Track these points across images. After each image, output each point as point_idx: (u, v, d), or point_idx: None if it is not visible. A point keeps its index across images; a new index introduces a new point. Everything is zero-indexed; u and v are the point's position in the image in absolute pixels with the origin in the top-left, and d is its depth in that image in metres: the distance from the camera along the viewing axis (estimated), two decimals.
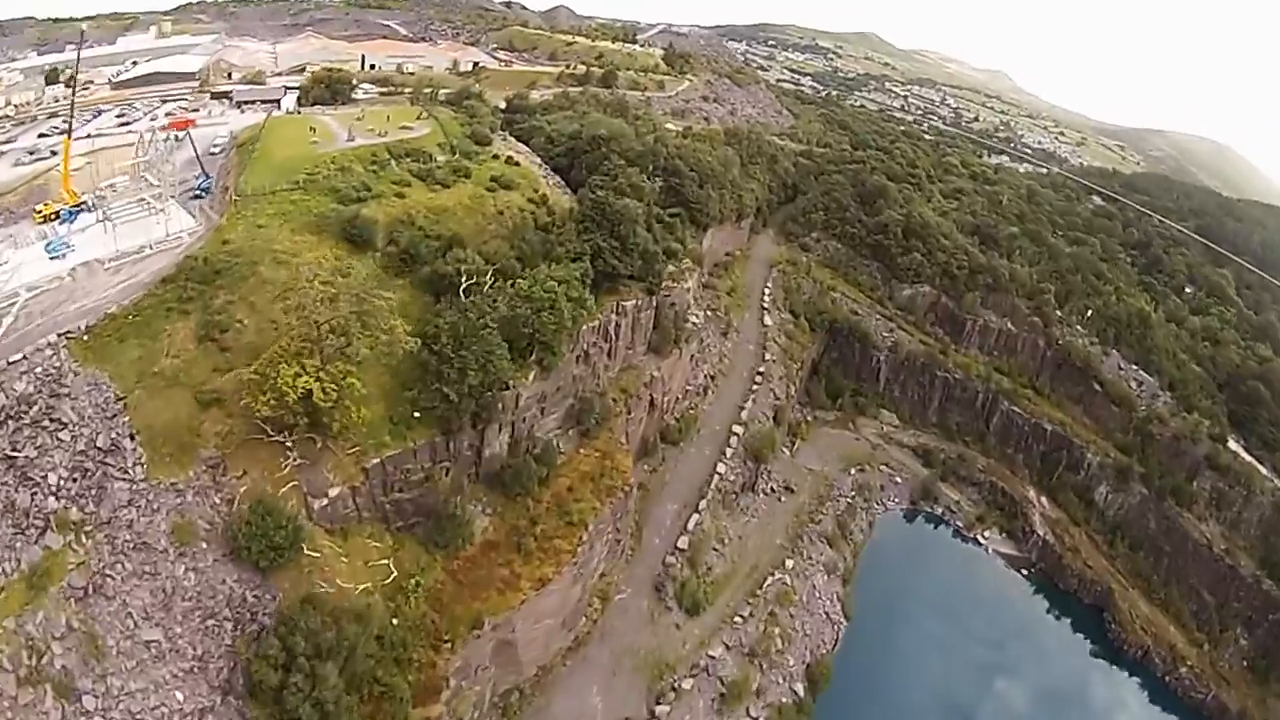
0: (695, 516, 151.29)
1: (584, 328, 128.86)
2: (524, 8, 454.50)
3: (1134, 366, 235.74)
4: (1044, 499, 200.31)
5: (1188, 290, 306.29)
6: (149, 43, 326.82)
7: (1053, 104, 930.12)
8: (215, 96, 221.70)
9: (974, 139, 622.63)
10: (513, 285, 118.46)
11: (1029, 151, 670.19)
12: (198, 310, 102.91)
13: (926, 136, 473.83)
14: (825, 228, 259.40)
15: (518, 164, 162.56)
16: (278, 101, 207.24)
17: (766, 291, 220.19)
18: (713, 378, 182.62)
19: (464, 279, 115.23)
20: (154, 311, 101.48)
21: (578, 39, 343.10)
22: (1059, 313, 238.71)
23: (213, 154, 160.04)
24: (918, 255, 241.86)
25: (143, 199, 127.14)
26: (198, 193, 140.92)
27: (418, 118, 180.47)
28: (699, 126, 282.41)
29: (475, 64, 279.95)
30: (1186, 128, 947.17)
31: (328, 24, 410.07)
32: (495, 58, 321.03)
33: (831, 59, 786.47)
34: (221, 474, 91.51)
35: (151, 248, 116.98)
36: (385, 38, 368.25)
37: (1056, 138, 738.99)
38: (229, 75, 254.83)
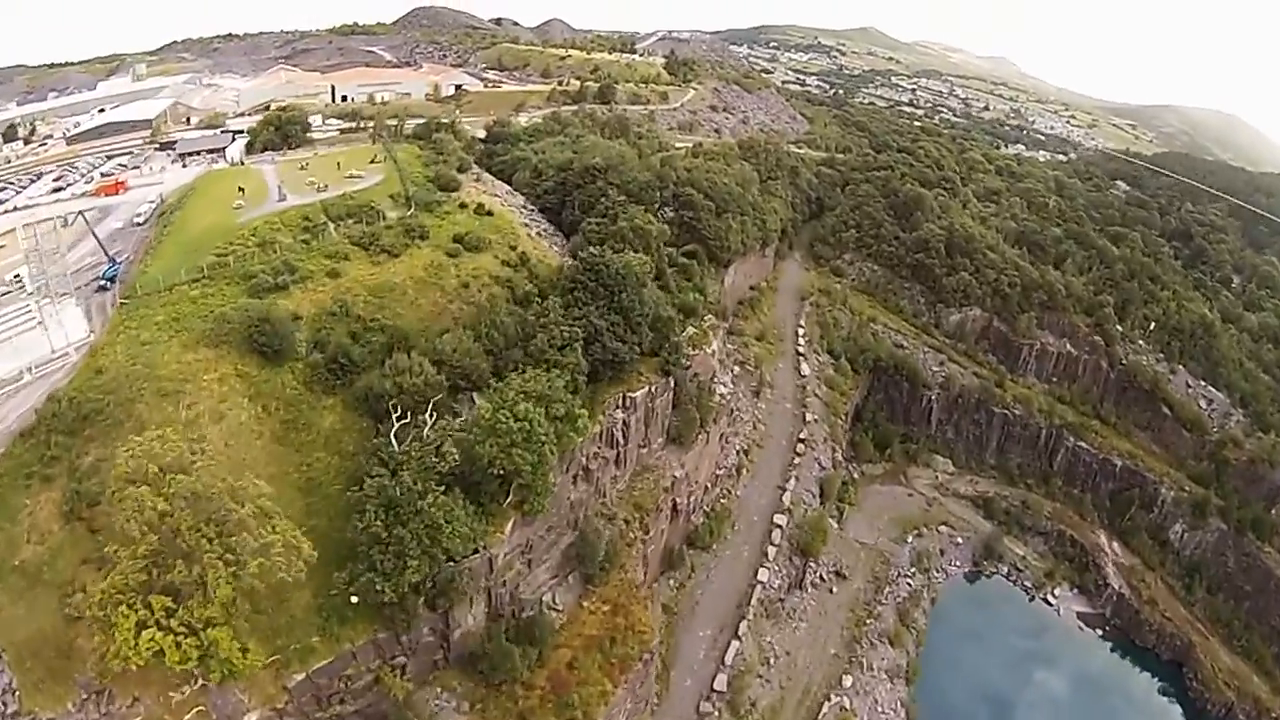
0: (735, 645, 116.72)
1: (580, 440, 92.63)
2: (515, 24, 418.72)
3: (1202, 383, 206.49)
4: (1115, 544, 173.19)
5: (1235, 282, 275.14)
6: (126, 87, 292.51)
7: (1059, 87, 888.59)
8: (162, 147, 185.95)
9: (989, 130, 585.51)
10: (472, 403, 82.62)
11: (1043, 137, 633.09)
12: (62, 474, 72.89)
13: (944, 131, 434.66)
14: (859, 247, 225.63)
15: (491, 213, 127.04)
16: (223, 150, 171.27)
17: (800, 331, 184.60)
18: (746, 452, 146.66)
19: (398, 410, 79.11)
20: (11, 480, 72.61)
21: (572, 53, 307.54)
22: (1119, 328, 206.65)
23: (137, 225, 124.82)
24: (965, 275, 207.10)
25: (28, 302, 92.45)
26: (103, 283, 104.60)
27: (371, 161, 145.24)
28: (709, 140, 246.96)
29: (457, 87, 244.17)
30: (1194, 101, 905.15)
31: (310, 55, 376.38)
32: (483, 78, 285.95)
33: (835, 57, 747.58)
34: (108, 703, 65.79)
35: (31, 372, 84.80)
36: (368, 65, 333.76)
37: (1068, 121, 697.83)
38: (188, 120, 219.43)
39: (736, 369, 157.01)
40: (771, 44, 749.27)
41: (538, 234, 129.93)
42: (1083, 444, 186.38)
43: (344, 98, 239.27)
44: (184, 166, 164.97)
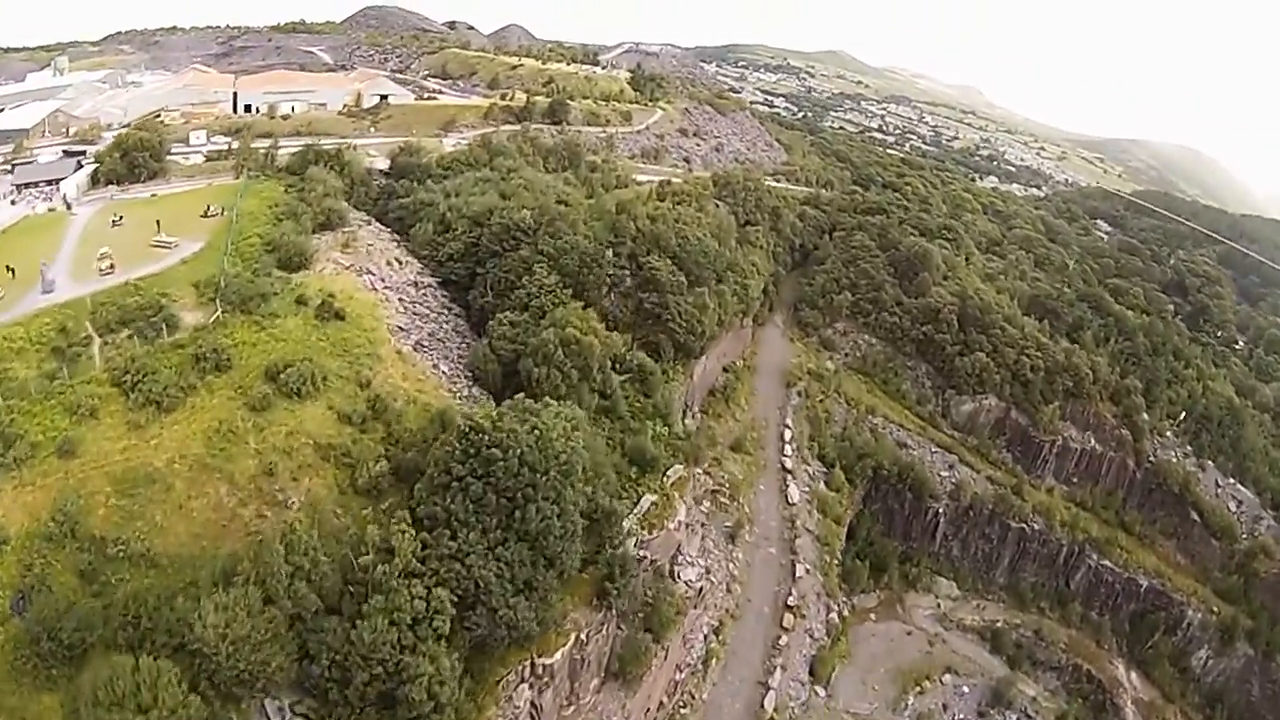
0: None
1: None
2: (470, 28, 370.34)
3: (1231, 480, 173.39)
4: (1135, 675, 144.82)
5: (1240, 344, 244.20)
6: (45, 81, 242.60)
7: (1025, 117, 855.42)
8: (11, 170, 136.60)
9: (960, 160, 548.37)
10: None
11: (1014, 169, 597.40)
12: None
13: (925, 163, 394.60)
14: (854, 314, 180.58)
15: (343, 315, 79.95)
16: (58, 182, 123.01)
17: (786, 433, 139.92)
18: (717, 632, 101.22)
19: None
20: None
21: (525, 62, 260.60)
22: (1146, 417, 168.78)
23: None
24: (981, 355, 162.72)
25: None
26: None
27: (205, 214, 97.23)
28: (678, 173, 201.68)
29: (382, 97, 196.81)
30: (1157, 135, 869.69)
31: (248, 53, 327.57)
32: (423, 87, 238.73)
33: (804, 79, 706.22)
34: None
35: None
36: (287, 68, 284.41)
37: (1038, 153, 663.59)
38: (66, 131, 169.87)
39: (707, 504, 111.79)
40: (740, 63, 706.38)
41: (415, 345, 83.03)
42: (1106, 562, 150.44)
43: (247, 107, 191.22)
44: (12, 204, 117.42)
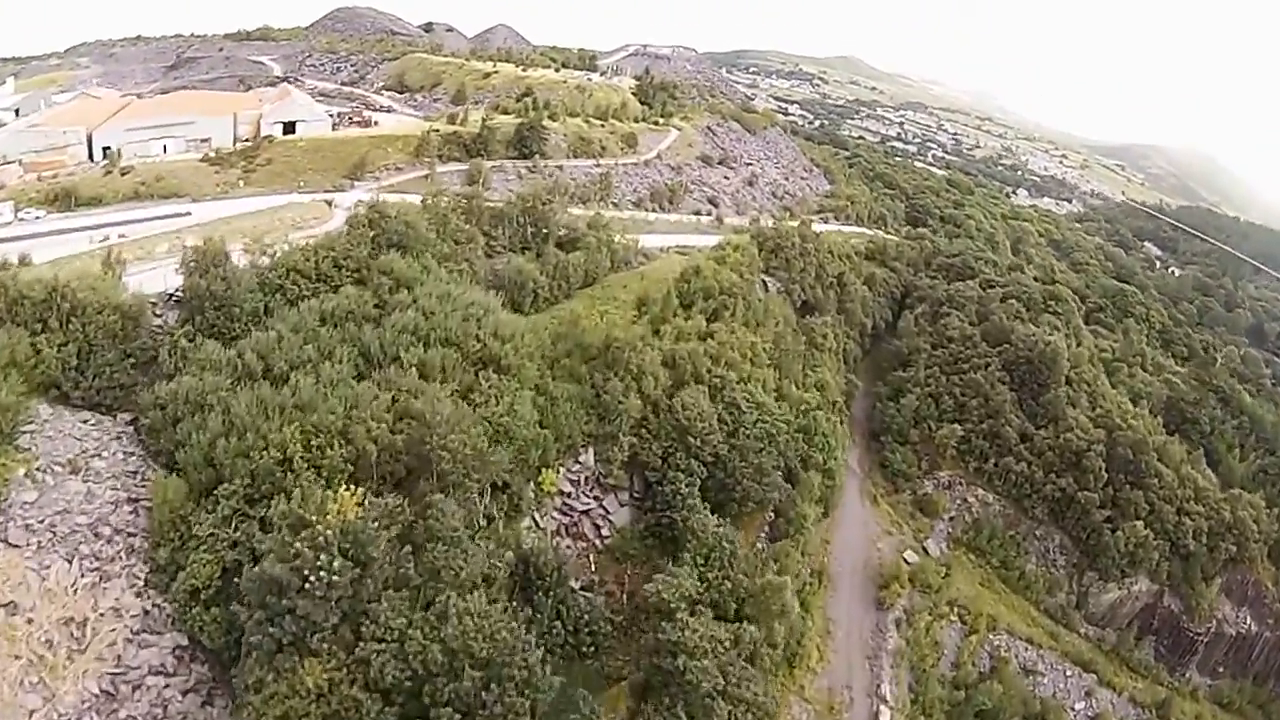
0: None
1: None
2: (449, 30, 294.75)
3: None
4: None
5: None
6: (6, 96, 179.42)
7: (1038, 122, 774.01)
8: None
9: (985, 170, 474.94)
10: None
11: (1039, 179, 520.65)
12: None
13: (971, 182, 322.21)
14: (964, 455, 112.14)
15: None
16: None
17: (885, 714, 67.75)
18: None
19: None
20: None
21: (500, 67, 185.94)
22: None
23: None
24: (1138, 525, 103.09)
25: None
26: None
27: None
28: (704, 225, 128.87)
29: (288, 125, 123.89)
30: (1170, 140, 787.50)
31: (197, 65, 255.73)
32: (367, 105, 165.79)
33: (818, 85, 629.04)
34: None
35: None
36: (236, 80, 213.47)
37: (1060, 161, 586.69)
38: None
39: None
40: (751, 69, 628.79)
41: None
42: None
43: (105, 150, 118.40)
44: None
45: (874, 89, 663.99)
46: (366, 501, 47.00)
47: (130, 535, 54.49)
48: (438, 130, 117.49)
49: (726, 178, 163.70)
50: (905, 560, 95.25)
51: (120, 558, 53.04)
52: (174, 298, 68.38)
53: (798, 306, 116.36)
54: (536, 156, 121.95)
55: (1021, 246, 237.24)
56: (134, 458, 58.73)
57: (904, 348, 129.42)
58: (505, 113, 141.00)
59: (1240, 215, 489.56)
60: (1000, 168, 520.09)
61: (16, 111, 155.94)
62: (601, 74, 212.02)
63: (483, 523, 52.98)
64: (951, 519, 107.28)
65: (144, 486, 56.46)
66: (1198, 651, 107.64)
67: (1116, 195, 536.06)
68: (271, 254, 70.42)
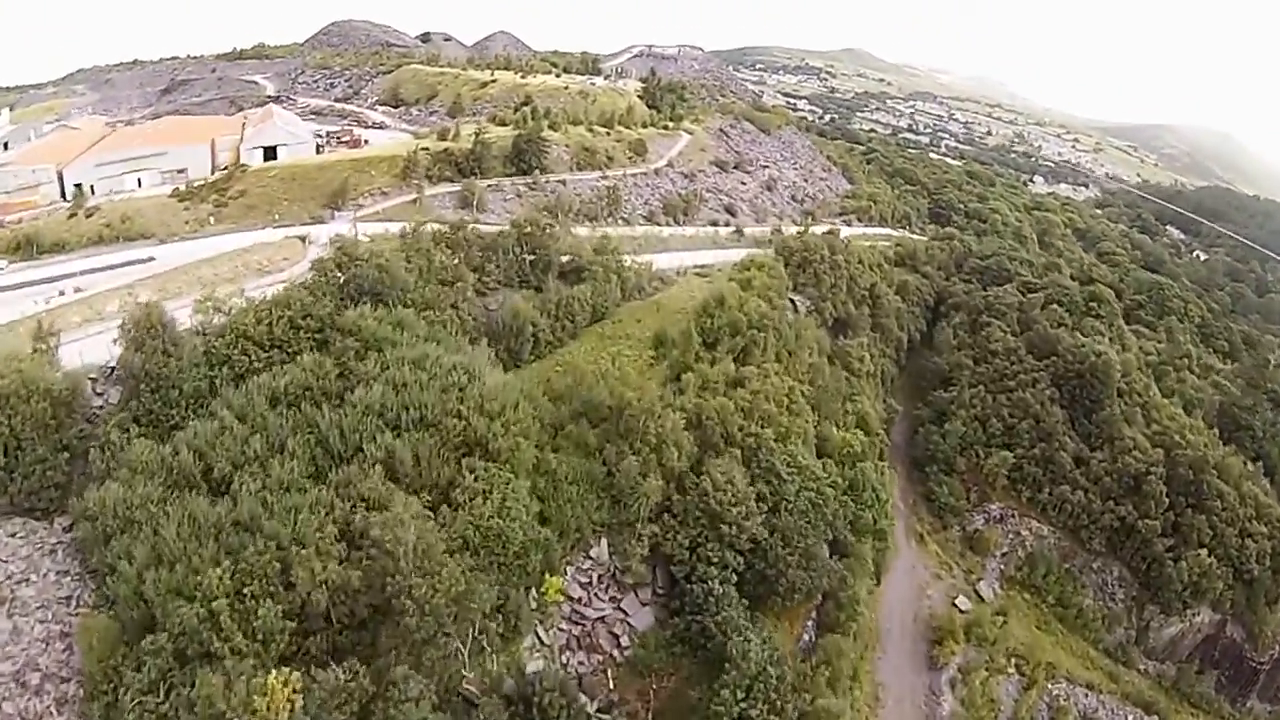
0: None
1: None
2: (448, 39, 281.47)
3: None
4: None
5: None
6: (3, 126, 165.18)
7: (1046, 107, 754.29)
8: None
9: (998, 158, 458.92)
10: None
11: (1053, 165, 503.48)
12: None
13: (992, 171, 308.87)
14: (1016, 484, 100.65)
15: None
16: None
17: None
18: None
19: None
20: None
21: (498, 76, 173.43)
22: None
23: None
24: (1202, 554, 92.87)
25: None
26: None
27: None
28: (722, 239, 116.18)
29: (269, 150, 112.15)
30: (1185, 120, 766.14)
31: (190, 87, 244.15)
32: (359, 122, 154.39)
33: (825, 79, 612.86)
34: None
35: None
36: (227, 101, 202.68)
37: (1073, 145, 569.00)
38: None
39: None
40: (758, 65, 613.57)
41: None
42: None
43: (77, 187, 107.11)
44: None
45: (881, 80, 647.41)
46: (307, 684, 34.68)
47: (64, 681, 42.96)
48: (427, 149, 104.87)
49: (743, 183, 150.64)
50: (958, 607, 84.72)
51: (51, 714, 41.41)
52: (115, 371, 56.71)
53: (829, 325, 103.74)
54: (536, 172, 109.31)
55: (1049, 239, 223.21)
56: (69, 578, 47.29)
57: (944, 364, 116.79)
58: (503, 124, 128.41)
59: (1260, 194, 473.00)
60: (1014, 155, 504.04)
61: (5, 145, 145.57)
62: (605, 78, 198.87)
63: (466, 670, 40.57)
64: (1004, 555, 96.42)
65: (79, 615, 45.06)
66: (1259, 680, 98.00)
67: (1132, 177, 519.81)
68: (227, 311, 58.32)
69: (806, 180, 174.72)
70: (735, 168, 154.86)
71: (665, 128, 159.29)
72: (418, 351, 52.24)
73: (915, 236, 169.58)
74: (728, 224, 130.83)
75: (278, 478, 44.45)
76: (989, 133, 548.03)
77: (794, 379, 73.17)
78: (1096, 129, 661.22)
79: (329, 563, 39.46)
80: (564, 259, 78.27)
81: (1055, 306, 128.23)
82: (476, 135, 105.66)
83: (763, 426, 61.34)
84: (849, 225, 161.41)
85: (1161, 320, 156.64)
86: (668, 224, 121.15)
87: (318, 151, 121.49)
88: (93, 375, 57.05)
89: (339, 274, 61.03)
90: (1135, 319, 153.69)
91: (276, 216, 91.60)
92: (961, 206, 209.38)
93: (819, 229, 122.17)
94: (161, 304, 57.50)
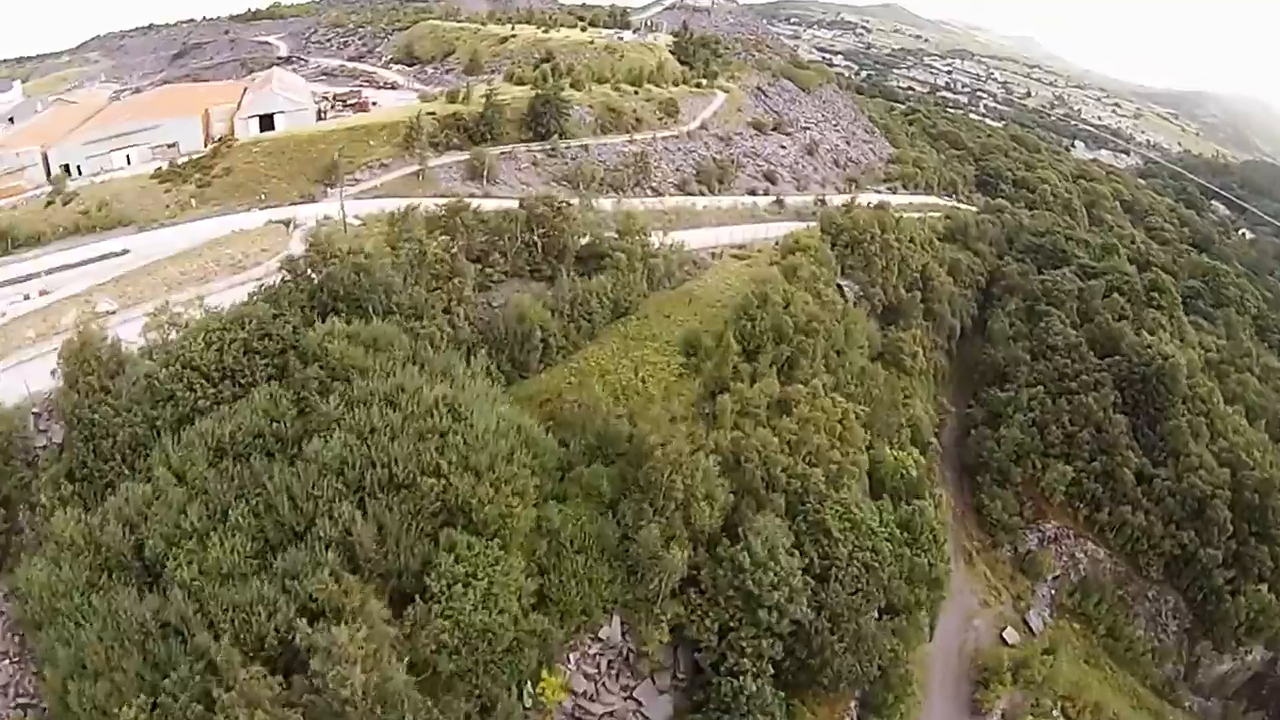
0: None
1: None
2: None
3: None
4: None
5: None
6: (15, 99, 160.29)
7: (1084, 69, 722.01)
8: None
9: (1038, 121, 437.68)
10: None
11: (1094, 129, 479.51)
12: None
13: (1038, 137, 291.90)
14: (1073, 501, 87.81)
15: None
16: None
17: None
18: None
19: None
20: None
21: (519, 30, 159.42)
22: None
23: None
24: (1263, 589, 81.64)
25: None
26: None
27: None
28: (761, 211, 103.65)
29: (265, 118, 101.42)
30: (1224, 87, 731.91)
31: (202, 51, 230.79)
32: (371, 81, 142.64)
33: (861, 34, 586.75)
34: None
35: None
36: (238, 64, 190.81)
37: (1113, 110, 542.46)
38: None
39: None
40: (793, 19, 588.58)
41: None
42: None
43: (65, 168, 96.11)
44: None
45: (918, 37, 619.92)
46: None
47: None
48: (434, 113, 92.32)
49: (783, 146, 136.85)
50: (1005, 640, 74.77)
51: None
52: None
53: (878, 313, 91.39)
54: (555, 137, 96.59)
55: (1097, 211, 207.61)
56: (8, 661, 38.13)
57: (999, 357, 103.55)
58: (520, 83, 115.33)
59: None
60: (1053, 118, 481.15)
61: (11, 119, 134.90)
62: (634, 31, 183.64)
63: None
64: (1056, 578, 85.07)
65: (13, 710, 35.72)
66: None
67: (1173, 146, 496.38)
68: (183, 325, 47.10)
69: (849, 143, 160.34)
70: (774, 129, 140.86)
71: (698, 85, 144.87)
72: (392, 383, 40.87)
73: (964, 206, 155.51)
74: (766, 192, 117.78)
75: (216, 561, 33.97)
76: (1028, 94, 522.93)
77: (845, 396, 61.22)
78: (1136, 94, 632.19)
79: (257, 712, 28.64)
80: (583, 240, 66.20)
81: (1116, 295, 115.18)
82: (488, 97, 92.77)
83: (811, 464, 49.97)
84: (894, 193, 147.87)
85: (1219, 310, 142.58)
86: (701, 193, 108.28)
87: (320, 118, 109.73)
88: (36, 409, 46.68)
89: (312, 275, 49.43)
90: (1191, 308, 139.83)
91: (263, 197, 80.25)
92: (1009, 175, 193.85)
93: (866, 199, 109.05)
94: (104, 325, 46.87)
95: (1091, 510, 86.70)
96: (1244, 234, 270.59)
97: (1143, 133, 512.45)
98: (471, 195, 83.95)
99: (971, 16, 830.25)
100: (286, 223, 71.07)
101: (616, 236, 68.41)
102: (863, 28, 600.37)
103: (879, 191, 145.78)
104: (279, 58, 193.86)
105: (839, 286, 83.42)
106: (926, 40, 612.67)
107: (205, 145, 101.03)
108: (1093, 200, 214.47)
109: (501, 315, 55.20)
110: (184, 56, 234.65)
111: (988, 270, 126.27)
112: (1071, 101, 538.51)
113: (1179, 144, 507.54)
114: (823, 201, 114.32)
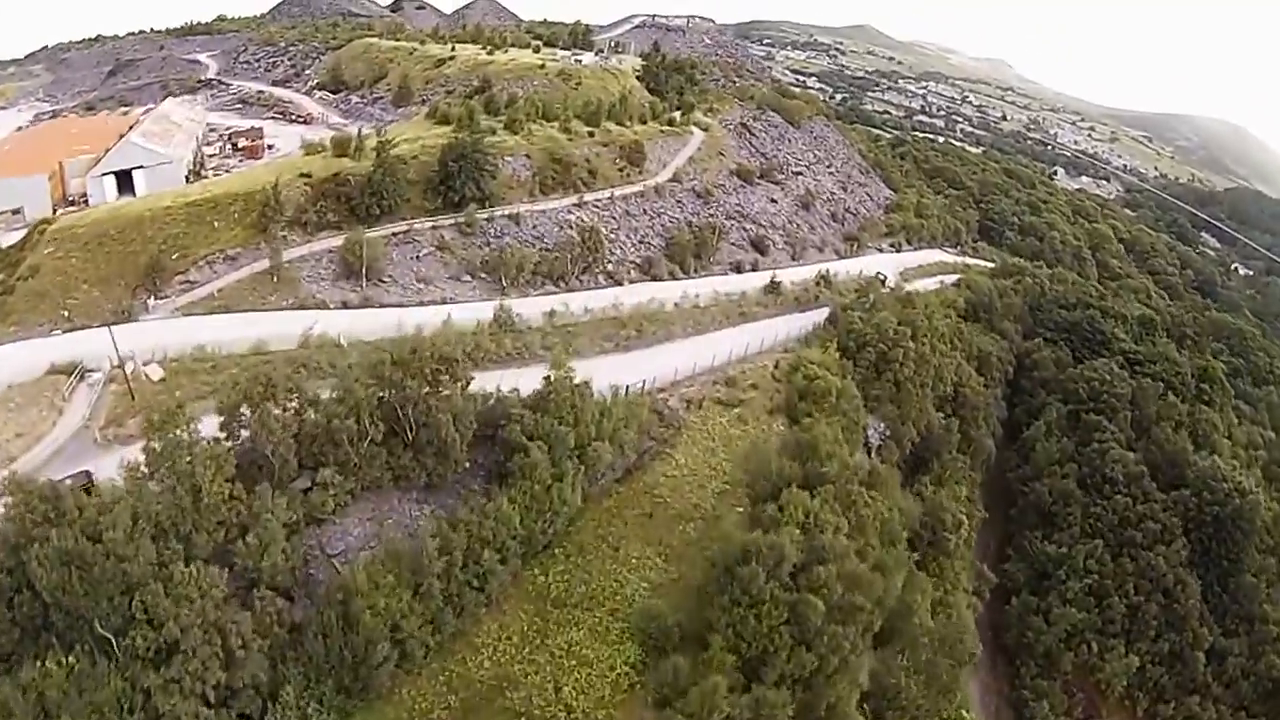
0: None
1: None
2: (421, 8, 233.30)
3: None
4: None
5: None
6: None
7: (1056, 92, 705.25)
8: None
9: (1016, 146, 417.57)
10: None
11: (1069, 155, 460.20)
12: None
13: (1002, 154, 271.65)
14: (1129, 688, 62.68)
15: None
16: None
17: None
18: None
19: None
20: None
21: (459, 50, 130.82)
22: None
23: None
24: None
25: None
26: None
27: None
28: (747, 303, 77.65)
29: (123, 175, 73.41)
30: (1198, 110, 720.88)
31: (135, 67, 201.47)
32: (284, 113, 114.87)
33: (834, 56, 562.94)
34: None
35: None
36: (173, 83, 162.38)
37: (1089, 134, 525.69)
38: None
39: None
40: (766, 40, 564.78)
41: None
42: None
43: None
44: None
45: (891, 59, 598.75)
46: None
47: None
48: (308, 175, 64.52)
49: (774, 200, 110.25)
50: None
51: None
52: None
53: (906, 460, 65.10)
54: (472, 206, 69.00)
55: (1101, 255, 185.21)
56: None
57: (1044, 492, 77.43)
58: (444, 121, 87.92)
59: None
60: (1030, 142, 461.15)
61: None
62: (598, 53, 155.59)
63: None
64: None
65: None
66: None
67: (1149, 170, 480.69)
68: None
69: (845, 189, 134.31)
70: (761, 177, 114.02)
71: (671, 122, 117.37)
72: None
73: (973, 262, 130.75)
74: (755, 266, 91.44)
75: None
76: (1004, 117, 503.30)
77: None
78: (1110, 117, 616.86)
79: None
80: (471, 429, 39.10)
81: (1170, 395, 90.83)
82: (379, 150, 64.96)
83: None
84: (898, 250, 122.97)
85: (1260, 391, 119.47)
86: (672, 275, 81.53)
87: (195, 171, 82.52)
88: None
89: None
90: (1240, 395, 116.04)
91: (65, 314, 52.29)
92: (1015, 221, 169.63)
93: (873, 268, 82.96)
94: None
95: (1153, 701, 64.08)
96: (1236, 268, 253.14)
97: (1119, 157, 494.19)
98: (343, 304, 56.66)
99: (943, 39, 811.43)
100: (70, 371, 43.81)
101: (533, 412, 41.12)
102: (836, 49, 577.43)
103: (882, 250, 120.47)
104: (200, 80, 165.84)
105: (865, 439, 56.97)
106: (899, 62, 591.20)
107: (53, 210, 73.76)
108: (1096, 244, 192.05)
109: (321, 615, 28.20)
110: (116, 74, 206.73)
111: (1014, 355, 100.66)
112: (1047, 125, 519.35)
113: (1155, 168, 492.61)
114: (826, 280, 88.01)
